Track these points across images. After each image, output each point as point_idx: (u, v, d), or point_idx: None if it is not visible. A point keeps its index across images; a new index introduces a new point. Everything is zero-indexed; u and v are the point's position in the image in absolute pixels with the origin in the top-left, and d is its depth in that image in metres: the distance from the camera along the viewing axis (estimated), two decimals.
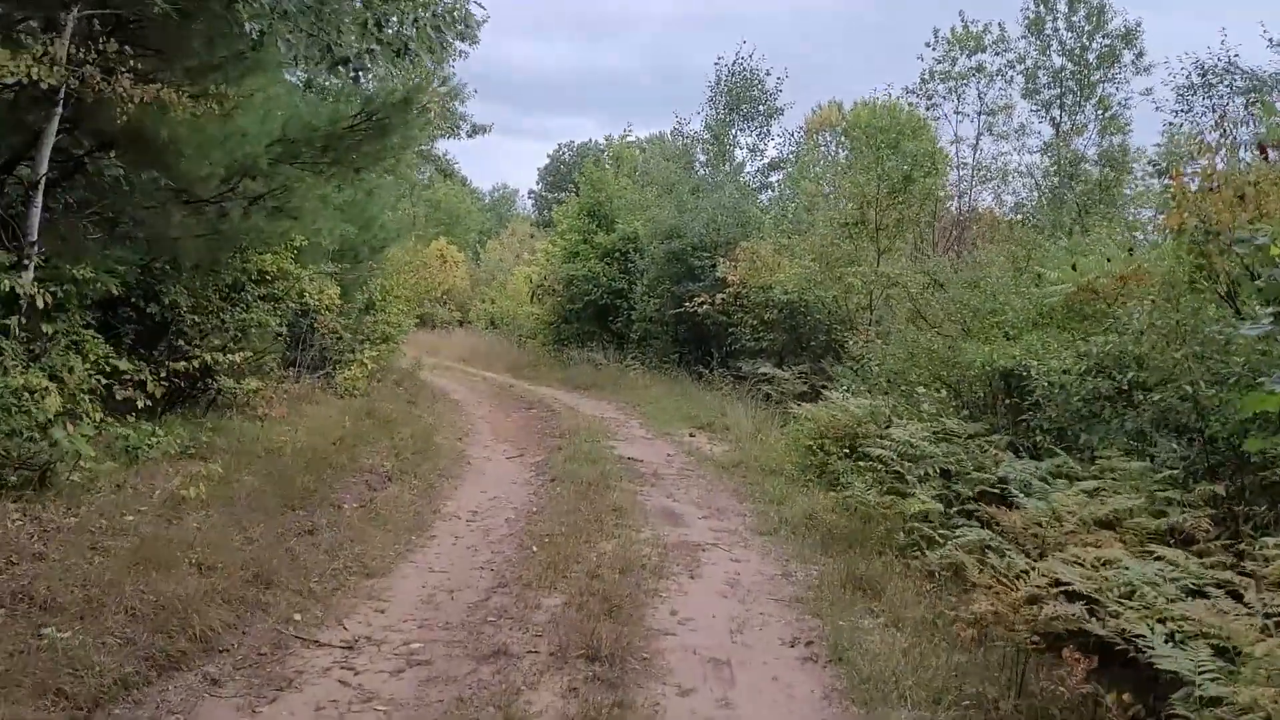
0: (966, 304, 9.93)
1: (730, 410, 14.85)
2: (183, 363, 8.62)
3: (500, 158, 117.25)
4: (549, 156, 66.90)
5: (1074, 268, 8.46)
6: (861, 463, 9.33)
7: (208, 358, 8.67)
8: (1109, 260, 8.22)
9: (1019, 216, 20.18)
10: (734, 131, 22.50)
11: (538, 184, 67.82)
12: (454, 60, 20.45)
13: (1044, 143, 22.13)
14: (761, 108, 22.26)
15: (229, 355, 8.77)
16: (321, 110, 8.93)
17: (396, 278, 18.42)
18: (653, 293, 21.04)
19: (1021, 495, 7.16)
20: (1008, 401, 8.71)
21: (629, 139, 24.76)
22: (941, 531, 7.22)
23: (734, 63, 22.28)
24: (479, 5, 11.71)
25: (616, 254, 23.29)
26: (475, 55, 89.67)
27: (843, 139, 34.66)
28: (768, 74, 22.40)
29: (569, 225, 25.41)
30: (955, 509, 7.57)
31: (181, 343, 9.01)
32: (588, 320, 24.03)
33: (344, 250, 14.11)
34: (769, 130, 22.52)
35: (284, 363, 10.68)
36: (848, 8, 66.35)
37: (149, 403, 8.22)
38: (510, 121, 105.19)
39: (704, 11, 75.99)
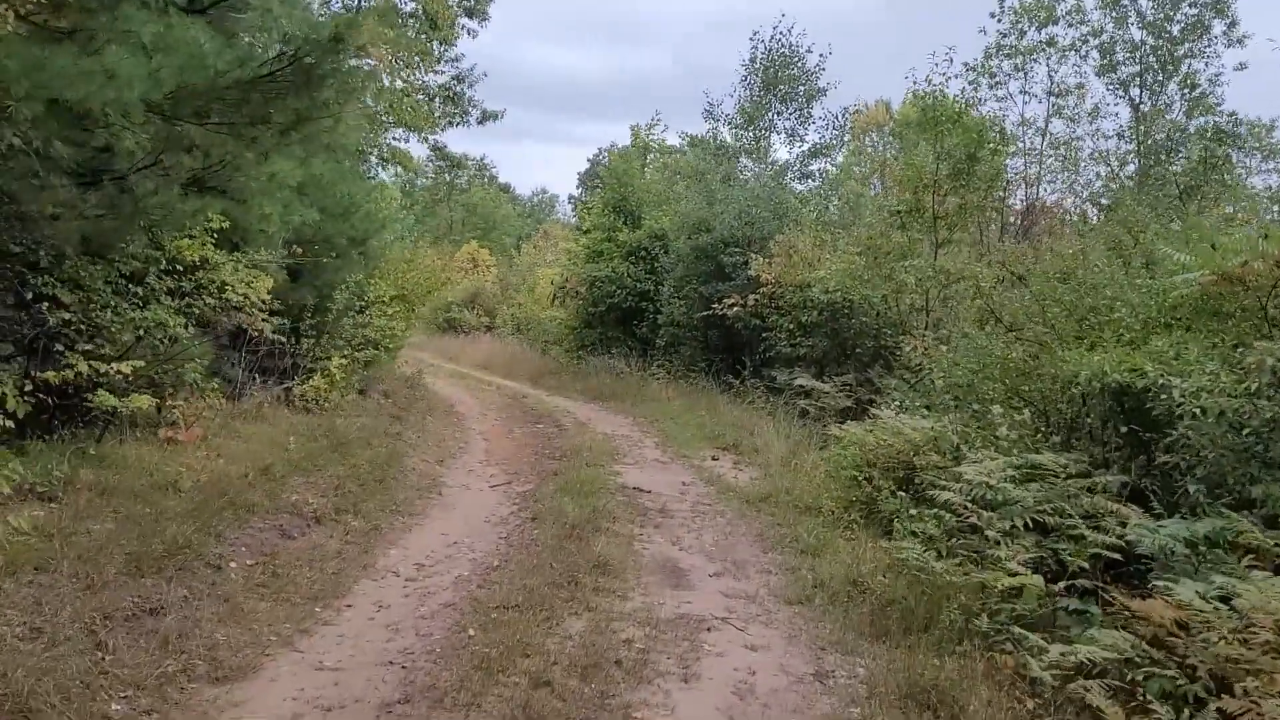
0: (1059, 300, 7.73)
1: (760, 428, 12.73)
2: (54, 373, 6.73)
3: (540, 165, 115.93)
4: (589, 160, 65.19)
5: (1213, 246, 6.26)
6: (923, 508, 7.21)
7: (83, 367, 6.77)
8: (1265, 236, 6.01)
9: (1097, 205, 17.79)
10: (770, 114, 20.37)
11: (577, 188, 66.12)
12: (460, 39, 18.64)
13: (1121, 125, 19.76)
14: (801, 88, 20.08)
15: (113, 364, 6.85)
16: (228, 52, 6.98)
17: (391, 277, 16.54)
18: (679, 294, 18.96)
19: (1163, 568, 5.03)
20: (1124, 430, 6.52)
21: (655, 128, 22.73)
22: (1049, 624, 5.11)
23: (771, 39, 20.22)
24: None
25: (642, 252, 21.25)
26: (514, 64, 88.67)
27: (890, 139, 32.43)
28: (809, 51, 20.30)
29: (592, 222, 23.44)
30: (1063, 583, 5.42)
31: (61, 348, 7.11)
32: (611, 324, 22.01)
33: (313, 241, 12.25)
34: (809, 113, 20.38)
35: (211, 373, 8.75)
36: (880, 13, 63.89)
37: (10, 423, 6.36)
38: (548, 128, 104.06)
39: (739, 15, 73.92)
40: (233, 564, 5.91)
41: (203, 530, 6.14)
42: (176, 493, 6.76)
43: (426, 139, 18.91)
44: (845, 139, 20.93)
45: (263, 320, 8.66)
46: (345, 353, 12.88)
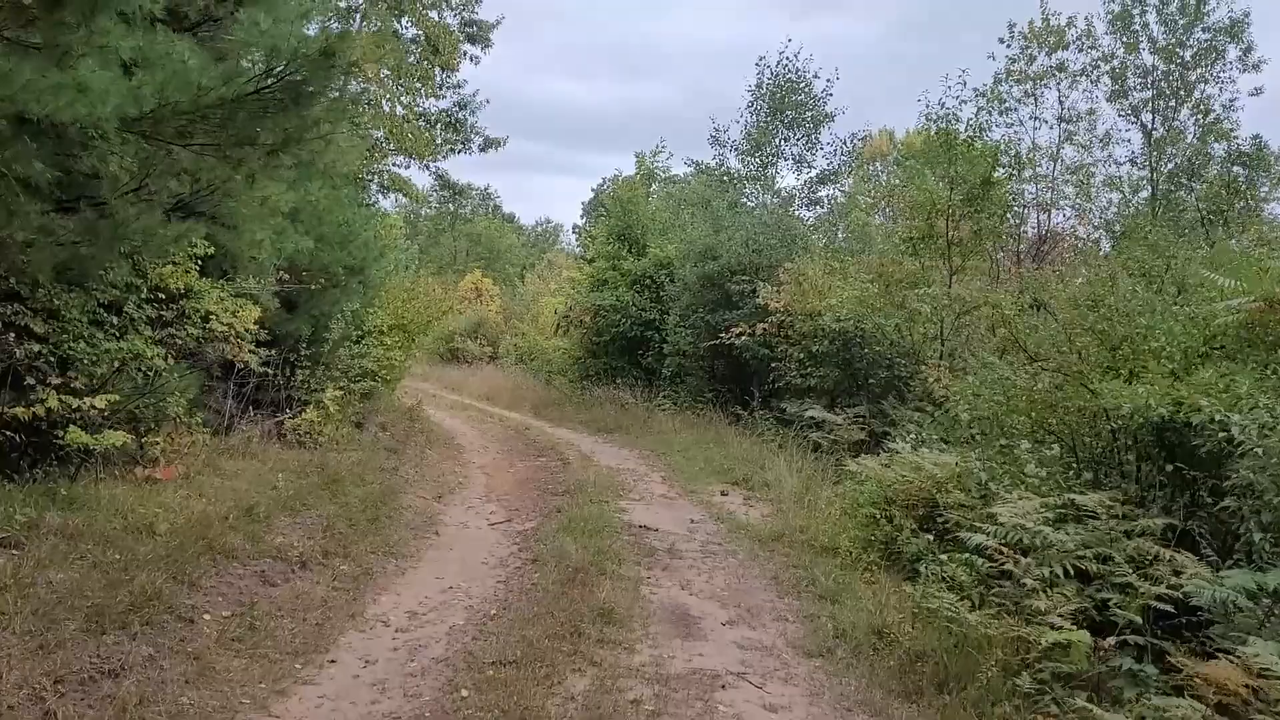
0: (1091, 329, 7.30)
1: (771, 462, 12.26)
2: (22, 409, 6.32)
3: (546, 196, 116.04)
4: (593, 190, 65.11)
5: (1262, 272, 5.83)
6: (952, 552, 6.75)
7: (54, 402, 6.35)
8: None
9: (1110, 232, 17.39)
10: (777, 140, 20.03)
11: (582, 218, 66.03)
12: (461, 65, 18.38)
13: (1133, 151, 19.38)
14: (809, 114, 19.76)
15: (86, 399, 6.44)
16: (211, 69, 6.62)
17: (390, 306, 16.15)
18: (685, 323, 18.55)
19: (1225, 624, 4.57)
20: (1168, 468, 6.06)
21: (660, 154, 22.42)
22: (1099, 685, 4.64)
23: (777, 64, 19.89)
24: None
25: (647, 281, 20.88)
26: (520, 95, 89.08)
27: (895, 169, 32.15)
28: (815, 76, 19.99)
29: (596, 251, 23.09)
30: (1113, 638, 4.95)
31: (32, 381, 6.70)
32: (615, 354, 21.60)
33: (309, 270, 11.88)
34: (817, 139, 20.04)
35: (195, 406, 8.32)
36: (891, 43, 64.04)
37: None
38: (554, 159, 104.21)
39: (747, 49, 74.29)
40: (206, 615, 5.45)
41: (176, 578, 5.69)
42: (151, 536, 6.32)
43: (428, 166, 18.62)
44: (854, 165, 20.53)
45: (249, 351, 8.24)
46: (341, 384, 12.47)
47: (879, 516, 8.48)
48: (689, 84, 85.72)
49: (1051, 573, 5.58)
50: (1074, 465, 7.49)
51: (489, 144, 19.13)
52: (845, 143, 19.84)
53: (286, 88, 6.90)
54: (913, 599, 6.78)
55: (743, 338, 15.89)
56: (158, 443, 7.84)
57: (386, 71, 16.88)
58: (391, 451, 12.57)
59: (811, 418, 13.20)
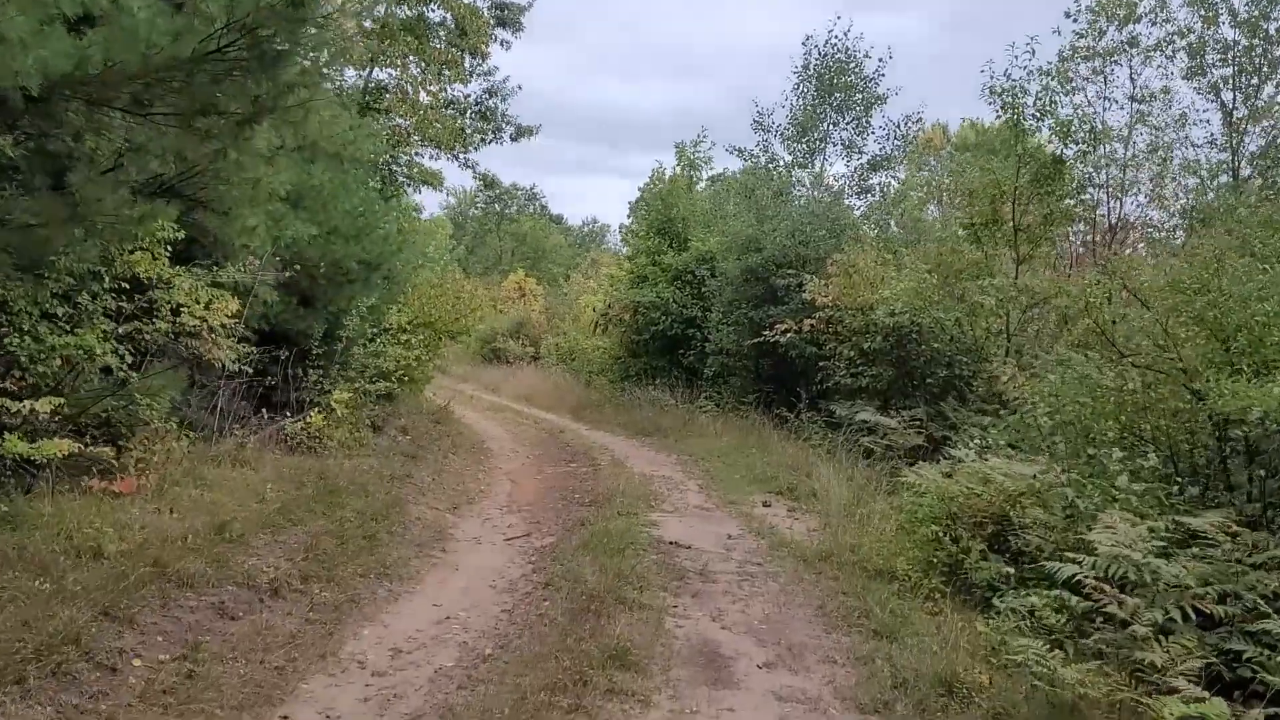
0: (1199, 318, 6.16)
1: (818, 470, 11.18)
2: None
3: (595, 198, 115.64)
4: (639, 189, 64.22)
5: None
6: (1034, 586, 5.69)
7: None
8: None
9: (1188, 219, 15.98)
10: (826, 125, 18.86)
11: (628, 217, 65.17)
12: (492, 51, 17.53)
13: (1212, 133, 17.87)
14: (859, 96, 18.54)
15: (25, 401, 5.62)
16: (161, 22, 5.75)
17: (417, 304, 15.36)
18: (728, 319, 17.50)
19: None
20: None
21: (701, 144, 21.37)
22: None
23: (825, 43, 18.69)
24: None
25: (689, 276, 19.85)
26: (570, 98, 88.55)
27: (948, 163, 30.71)
28: (867, 56, 18.76)
29: (636, 246, 22.13)
30: (1261, 710, 3.86)
31: None
32: (656, 353, 20.60)
33: (319, 263, 11.07)
34: (868, 123, 18.80)
35: (176, 408, 7.49)
36: (941, 40, 62.27)
37: None
38: (604, 161, 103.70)
39: (792, 48, 73.01)
40: (137, 661, 4.57)
41: (109, 614, 4.82)
42: (98, 560, 5.48)
43: (457, 158, 17.80)
44: (907, 149, 19.27)
45: (228, 347, 7.40)
46: (356, 385, 11.65)
47: (942, 535, 7.41)
48: (736, 86, 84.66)
49: (1166, 616, 4.50)
50: (1175, 478, 6.36)
51: (521, 133, 18.25)
52: (899, 126, 18.62)
53: (252, 46, 6.01)
54: (986, 638, 5.72)
55: (788, 335, 14.82)
56: (130, 449, 7.01)
57: (413, 58, 16.10)
58: (409, 457, 11.72)
59: (863, 421, 12.11)
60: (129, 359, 6.47)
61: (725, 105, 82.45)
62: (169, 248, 6.92)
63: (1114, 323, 7.52)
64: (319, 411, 9.85)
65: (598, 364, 24.90)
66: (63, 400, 5.80)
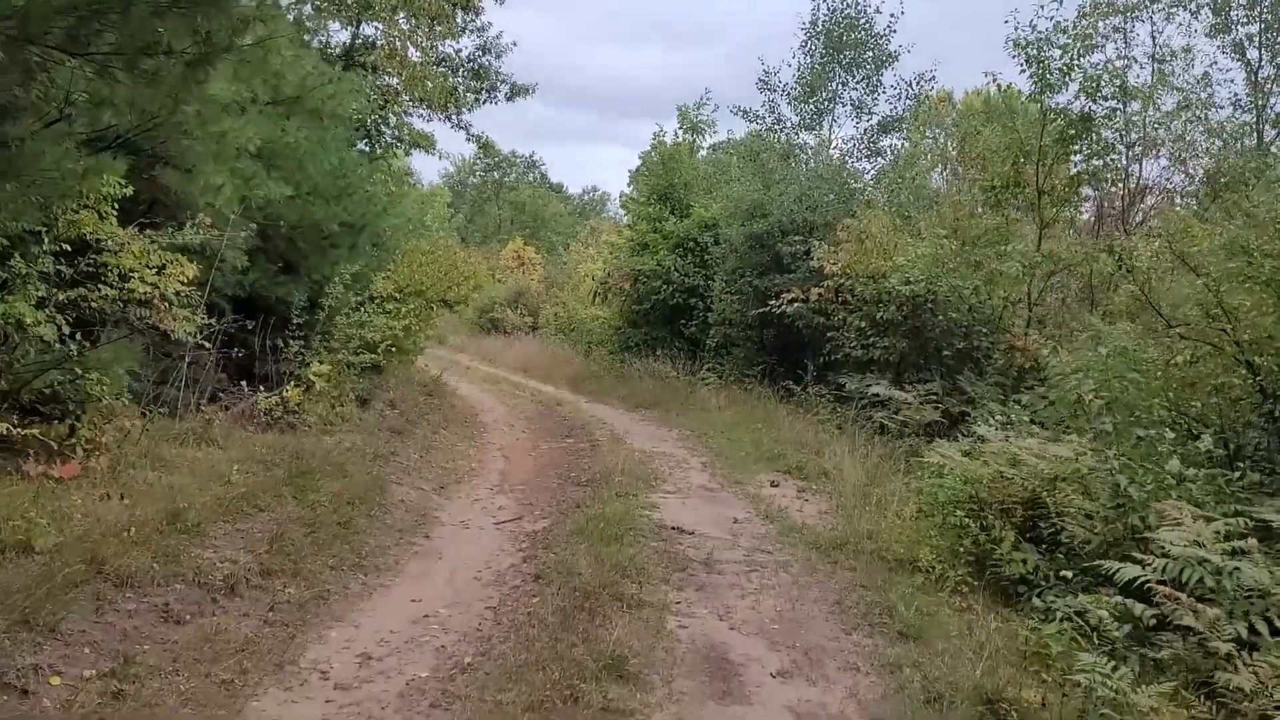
0: (1269, 281, 5.50)
1: (829, 446, 10.57)
2: None
3: (596, 167, 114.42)
4: (640, 157, 63.20)
5: None
6: (1078, 580, 5.07)
7: None
8: None
9: (1212, 183, 15.22)
10: (835, 84, 18.05)
11: (629, 185, 64.18)
12: (484, 6, 16.72)
13: (1236, 94, 17.12)
14: (869, 54, 17.71)
15: None
16: None
17: (407, 270, 14.67)
18: (731, 288, 16.81)
19: None
20: None
21: (704, 107, 20.57)
22: None
23: None
24: None
25: (691, 244, 19.13)
26: (571, 65, 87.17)
27: (952, 129, 29.89)
28: (878, 11, 17.78)
29: (636, 213, 21.38)
30: None
31: None
32: (656, 324, 19.92)
33: (298, 226, 10.39)
34: (879, 82, 17.98)
35: (129, 383, 6.82)
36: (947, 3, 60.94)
37: None
38: (602, 129, 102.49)
39: (794, 15, 71.74)
40: (55, 679, 3.95)
41: (26, 623, 4.19)
42: (27, 556, 4.85)
43: (450, 118, 17.04)
44: (920, 109, 18.45)
45: (184, 317, 6.74)
46: (339, 356, 10.99)
47: (967, 521, 6.78)
48: (740, 56, 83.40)
49: (1250, 629, 3.88)
50: (1236, 463, 5.72)
51: (516, 92, 17.47)
52: (910, 85, 17.80)
53: None
54: (1028, 642, 5.11)
55: (795, 304, 14.13)
56: (80, 429, 6.38)
57: (402, 13, 15.30)
58: (396, 433, 11.08)
59: (875, 395, 11.47)
60: (67, 329, 5.81)
61: (729, 74, 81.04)
62: (118, 208, 6.24)
63: (1159, 292, 6.84)
64: (295, 385, 9.19)
65: (597, 335, 24.25)
66: None
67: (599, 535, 7.22)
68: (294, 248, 10.84)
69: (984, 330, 11.44)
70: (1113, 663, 4.03)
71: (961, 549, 6.70)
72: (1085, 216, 17.22)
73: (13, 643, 4.01)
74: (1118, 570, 4.51)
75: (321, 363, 9.96)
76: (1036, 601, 5.39)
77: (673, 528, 7.84)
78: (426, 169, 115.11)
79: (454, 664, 4.86)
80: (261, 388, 9.35)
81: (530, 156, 67.67)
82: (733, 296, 16.90)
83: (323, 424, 10.00)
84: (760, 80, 17.97)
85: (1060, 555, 6.08)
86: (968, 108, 31.76)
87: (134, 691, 4.00)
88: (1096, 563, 4.91)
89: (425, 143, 16.96)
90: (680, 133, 21.33)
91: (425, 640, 5.23)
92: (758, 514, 8.56)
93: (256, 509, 6.61)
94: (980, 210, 12.01)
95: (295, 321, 10.57)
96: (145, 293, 6.32)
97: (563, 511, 8.51)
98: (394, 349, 13.05)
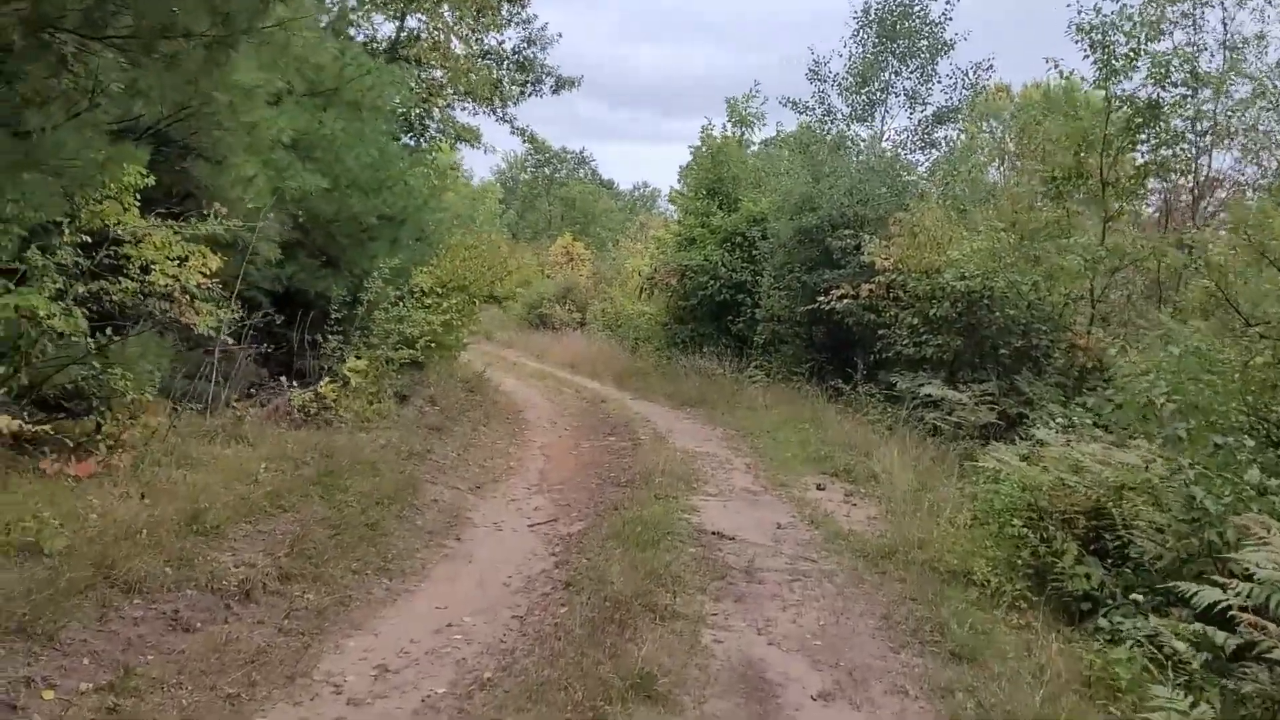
0: None
1: (878, 449, 10.15)
2: None
3: (645, 164, 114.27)
4: (690, 150, 62.76)
5: None
6: (1148, 600, 4.67)
7: None
8: None
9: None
10: (887, 74, 17.51)
11: (678, 181, 63.76)
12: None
13: None
14: (924, 42, 17.14)
15: None
16: None
17: (449, 265, 14.49)
18: (780, 284, 16.41)
19: None
20: None
21: (753, 99, 20.14)
22: None
23: None
24: None
25: (739, 239, 18.73)
26: (621, 64, 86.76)
27: (1009, 121, 29.01)
28: None
29: (684, 207, 21.02)
30: None
31: None
32: (703, 320, 19.57)
33: (336, 219, 10.25)
34: (933, 71, 17.40)
35: (158, 377, 6.67)
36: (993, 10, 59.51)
37: None
38: (653, 127, 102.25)
39: (848, 8, 70.59)
40: (49, 693, 3.75)
41: (24, 631, 4.01)
42: (36, 558, 4.68)
43: (495, 111, 16.86)
44: (976, 100, 17.80)
45: (207, 313, 6.55)
46: (378, 352, 10.82)
47: (1025, 531, 6.38)
48: (790, 55, 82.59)
49: None
50: None
51: (562, 84, 17.23)
52: (967, 75, 17.18)
53: None
54: (1093, 667, 4.71)
55: (844, 301, 13.71)
56: (103, 425, 6.23)
57: (446, 4, 15.14)
58: (434, 430, 10.89)
59: (928, 395, 11.02)
60: (85, 323, 5.65)
61: (781, 72, 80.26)
62: (141, 200, 6.07)
63: (1236, 289, 6.35)
64: (329, 381, 9.02)
65: (644, 330, 23.96)
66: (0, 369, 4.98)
67: (635, 539, 6.93)
68: (333, 241, 10.71)
69: (1043, 328, 10.93)
70: (1189, 697, 3.64)
71: (1019, 561, 6.31)
72: (1149, 210, 16.56)
73: (7, 652, 3.83)
74: (1196, 594, 4.10)
75: (358, 358, 9.77)
76: (1102, 622, 4.98)
77: (712, 532, 7.53)
78: (479, 166, 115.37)
79: (473, 679, 4.60)
80: (295, 384, 9.19)
81: (580, 153, 67.65)
82: (781, 292, 16.50)
83: (359, 421, 9.83)
84: (810, 70, 17.53)
85: (1127, 571, 5.66)
86: (1026, 100, 30.96)
87: (131, 707, 3.79)
88: (1171, 584, 4.50)
89: (469, 136, 16.80)
90: (729, 126, 20.94)
91: (446, 652, 4.98)
92: (802, 519, 8.21)
93: (281, 509, 6.42)
94: (1040, 203, 11.47)
95: (334, 316, 10.43)
96: (166, 285, 6.15)
97: (600, 514, 8.23)
98: (434, 345, 12.87)
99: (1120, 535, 5.76)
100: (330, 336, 10.45)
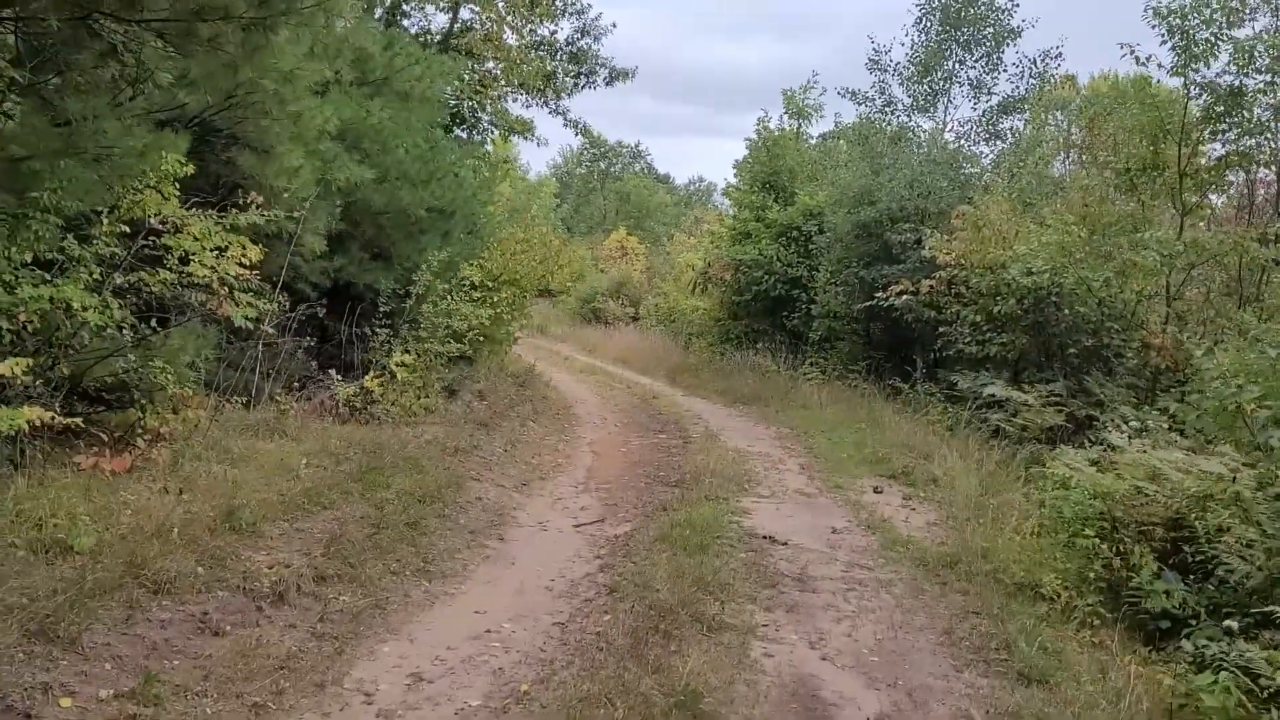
0: None
1: (939, 451, 9.77)
2: None
3: (702, 159, 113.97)
4: (745, 144, 62.29)
5: None
6: (1234, 618, 4.29)
7: None
8: None
9: None
10: (951, 63, 16.96)
11: (734, 175, 63.34)
12: None
13: None
14: (989, 30, 16.55)
15: None
16: None
17: (500, 258, 14.34)
18: (836, 279, 16.01)
19: None
20: None
21: (811, 90, 19.72)
22: None
23: None
24: None
25: (795, 233, 18.34)
26: (678, 59, 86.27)
27: (1076, 116, 28.14)
28: None
29: (739, 200, 20.68)
30: None
31: None
32: (758, 315, 19.23)
33: (385, 211, 10.12)
34: (999, 59, 16.78)
35: (200, 370, 6.57)
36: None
37: None
38: (709, 122, 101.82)
39: (901, 6, 69.40)
40: (66, 700, 3.60)
41: (44, 633, 3.87)
42: (66, 557, 4.57)
43: (548, 103, 16.69)
44: (1044, 89, 17.16)
45: (246, 304, 6.41)
46: (428, 345, 10.68)
47: (1100, 544, 6.00)
48: (850, 46, 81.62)
49: None
50: None
51: (615, 76, 17.00)
52: (1034, 63, 16.54)
53: None
54: (1176, 693, 4.35)
55: (904, 297, 13.28)
56: (143, 419, 6.14)
57: None
58: (481, 426, 10.72)
59: (991, 395, 10.58)
60: (119, 313, 5.54)
61: (839, 65, 79.24)
62: (180, 189, 5.94)
63: None
64: (374, 375, 8.89)
65: (697, 326, 23.70)
66: (30, 361, 4.87)
67: (683, 543, 6.68)
68: (382, 234, 10.60)
69: (1115, 327, 10.43)
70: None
71: (1092, 574, 5.93)
72: (1219, 203, 15.80)
73: (26, 656, 3.69)
74: None
75: (406, 352, 9.64)
76: (1186, 645, 4.61)
77: (764, 537, 7.24)
78: (535, 160, 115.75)
79: (509, 691, 4.38)
80: (340, 377, 9.08)
81: (636, 146, 67.48)
82: (837, 288, 16.11)
83: (405, 415, 9.71)
84: (870, 60, 17.06)
85: (1211, 588, 5.27)
86: (1094, 92, 30.00)
87: (151, 716, 3.63)
88: (1269, 609, 4.12)
89: (522, 128, 16.65)
90: (786, 118, 20.55)
91: (483, 660, 4.77)
92: (858, 523, 7.87)
93: (320, 507, 6.27)
94: (1112, 196, 10.96)
95: (382, 310, 10.32)
96: (204, 276, 6.03)
97: (648, 514, 8.00)
98: (483, 339, 12.73)
99: (1203, 549, 5.36)
100: (379, 330, 10.35)
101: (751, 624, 5.35)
